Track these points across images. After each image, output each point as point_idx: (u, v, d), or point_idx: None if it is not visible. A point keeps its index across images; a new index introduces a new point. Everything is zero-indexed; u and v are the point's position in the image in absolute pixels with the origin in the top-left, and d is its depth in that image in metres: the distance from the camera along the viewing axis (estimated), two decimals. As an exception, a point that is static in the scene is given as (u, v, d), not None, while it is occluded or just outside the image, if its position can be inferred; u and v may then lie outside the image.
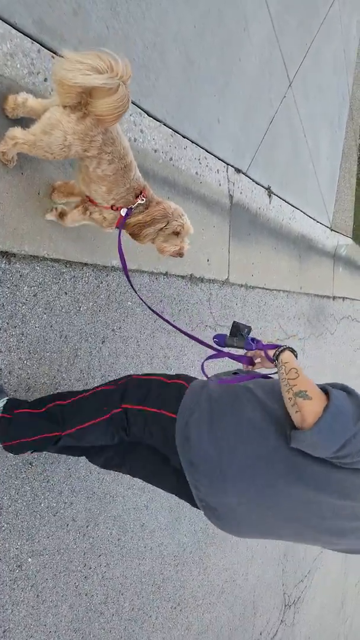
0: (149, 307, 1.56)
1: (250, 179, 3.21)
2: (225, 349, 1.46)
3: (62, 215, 1.61)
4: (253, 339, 1.37)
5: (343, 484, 1.05)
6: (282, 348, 1.24)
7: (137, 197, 1.44)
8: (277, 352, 1.24)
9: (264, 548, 3.85)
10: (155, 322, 2.30)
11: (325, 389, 1.06)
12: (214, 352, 1.47)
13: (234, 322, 1.42)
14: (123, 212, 1.45)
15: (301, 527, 1.13)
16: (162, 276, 2.38)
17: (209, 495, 1.18)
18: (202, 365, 1.49)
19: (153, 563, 2.33)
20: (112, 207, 1.45)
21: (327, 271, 5.29)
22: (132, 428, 1.29)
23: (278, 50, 3.33)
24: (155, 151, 2.28)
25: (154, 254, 1.65)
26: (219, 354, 1.46)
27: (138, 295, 1.60)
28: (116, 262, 2.00)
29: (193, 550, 2.69)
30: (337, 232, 5.31)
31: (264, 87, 3.21)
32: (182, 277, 2.59)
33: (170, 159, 2.39)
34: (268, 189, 3.48)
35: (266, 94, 3.26)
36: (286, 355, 1.21)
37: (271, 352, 1.27)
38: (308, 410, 1.01)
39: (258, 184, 3.32)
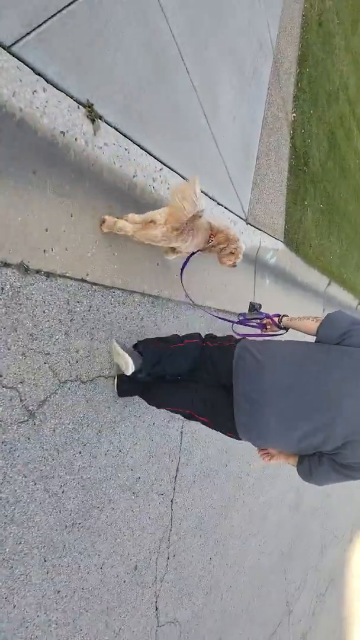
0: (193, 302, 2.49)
1: (32, 68, 1.70)
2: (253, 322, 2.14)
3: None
4: (262, 313, 2.08)
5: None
6: (280, 316, 1.95)
7: (209, 241, 2.14)
8: (280, 319, 1.94)
9: None
10: None
11: None
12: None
13: (250, 302, 2.16)
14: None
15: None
16: None
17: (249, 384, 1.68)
18: (232, 327, 2.20)
19: None
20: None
21: (243, 280, 3.81)
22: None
23: None
24: None
25: None
26: (245, 323, 2.16)
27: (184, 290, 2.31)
28: None
29: None
30: (259, 229, 3.88)
31: None
32: None
33: None
34: (88, 107, 1.97)
35: None
36: (285, 319, 1.92)
37: (276, 319, 1.95)
38: (321, 319, 1.69)
39: (57, 89, 1.81)
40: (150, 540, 2.58)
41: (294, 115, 4.44)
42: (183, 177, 2.73)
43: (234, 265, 2.29)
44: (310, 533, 6.05)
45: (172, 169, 2.62)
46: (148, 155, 2.40)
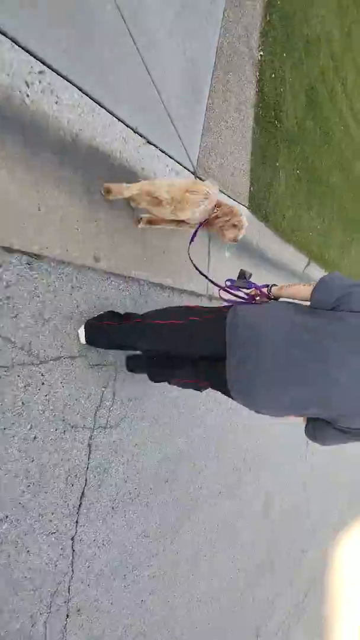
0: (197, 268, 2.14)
1: None
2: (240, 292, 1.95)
3: (150, 222, 2.32)
4: (251, 282, 1.86)
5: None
6: (269, 286, 1.78)
7: (213, 210, 2.07)
8: (269, 290, 1.77)
9: None
10: None
11: None
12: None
13: (241, 269, 1.92)
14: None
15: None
16: None
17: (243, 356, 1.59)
18: (219, 293, 1.99)
19: None
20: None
21: (192, 249, 3.05)
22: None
23: None
24: None
25: None
26: (232, 291, 1.93)
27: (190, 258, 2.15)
28: None
29: None
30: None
31: None
32: None
33: None
34: None
35: None
36: (275, 288, 1.76)
37: (265, 290, 1.78)
38: (315, 282, 1.56)
39: None
40: (33, 599, 1.84)
41: (262, 54, 3.67)
42: (82, 91, 1.95)
43: (235, 240, 2.21)
44: (283, 541, 5.38)
45: (64, 77, 1.84)
46: (15, 45, 1.62)
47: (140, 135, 2.37)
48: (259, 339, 1.55)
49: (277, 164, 4.06)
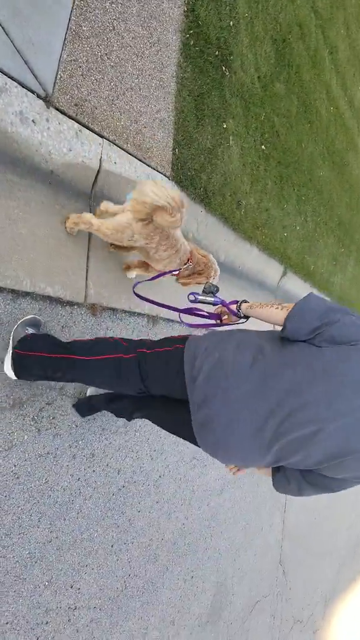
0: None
1: None
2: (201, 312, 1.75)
3: (128, 267, 2.16)
4: (218, 298, 1.66)
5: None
6: (239, 302, 1.55)
7: (185, 263, 1.92)
8: (238, 306, 1.55)
9: None
10: None
11: None
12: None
13: (207, 282, 1.82)
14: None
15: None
16: None
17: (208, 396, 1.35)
18: (179, 317, 1.75)
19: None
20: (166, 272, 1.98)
21: (57, 235, 1.83)
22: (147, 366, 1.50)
23: None
24: None
25: None
26: (198, 314, 1.74)
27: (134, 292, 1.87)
28: None
29: None
30: (93, 131, 1.92)
31: None
32: None
33: None
34: None
35: None
36: (245, 306, 1.52)
37: (234, 307, 1.56)
38: (289, 307, 1.32)
39: None
40: None
41: None
42: None
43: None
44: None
45: None
46: None
47: None
48: (229, 378, 1.32)
49: (225, 126, 2.88)
